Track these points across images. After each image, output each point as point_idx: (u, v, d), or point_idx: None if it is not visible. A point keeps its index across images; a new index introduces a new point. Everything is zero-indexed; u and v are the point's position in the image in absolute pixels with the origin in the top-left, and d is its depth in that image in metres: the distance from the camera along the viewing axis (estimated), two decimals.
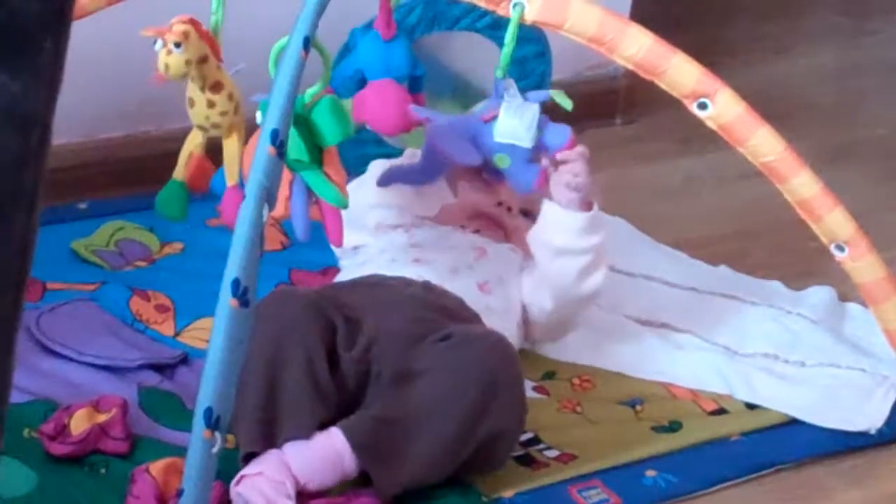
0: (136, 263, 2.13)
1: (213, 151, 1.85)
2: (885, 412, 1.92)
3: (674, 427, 1.88)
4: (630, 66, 1.68)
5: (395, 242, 1.98)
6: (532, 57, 2.36)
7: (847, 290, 2.13)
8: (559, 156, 1.87)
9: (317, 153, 1.72)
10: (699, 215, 2.47)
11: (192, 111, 1.82)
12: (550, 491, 1.75)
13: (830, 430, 1.89)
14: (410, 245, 1.96)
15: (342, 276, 1.97)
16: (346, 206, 1.75)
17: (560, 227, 1.91)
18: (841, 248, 1.71)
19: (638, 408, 1.93)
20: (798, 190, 1.69)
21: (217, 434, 1.38)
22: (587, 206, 1.91)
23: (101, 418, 1.72)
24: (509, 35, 1.73)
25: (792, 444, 1.87)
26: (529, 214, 2.00)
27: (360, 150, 2.19)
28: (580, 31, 1.67)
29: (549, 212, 1.92)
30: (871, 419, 1.91)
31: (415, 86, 2.05)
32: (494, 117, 1.83)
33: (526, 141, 1.82)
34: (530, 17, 1.69)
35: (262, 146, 1.46)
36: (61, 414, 1.72)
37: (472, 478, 1.73)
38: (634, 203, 2.44)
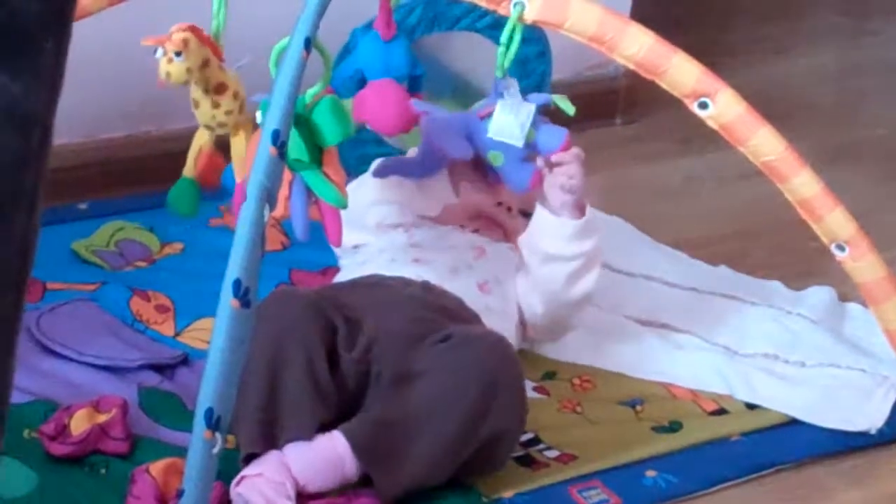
0: (136, 264, 2.13)
1: (225, 147, 1.86)
2: (885, 412, 1.92)
3: (674, 427, 1.88)
4: (631, 66, 1.68)
5: (394, 242, 1.98)
6: (533, 57, 2.36)
7: (847, 290, 2.13)
8: (554, 157, 1.87)
9: (317, 153, 1.72)
10: (699, 215, 2.47)
11: (198, 112, 1.83)
12: (550, 491, 1.74)
13: (830, 431, 1.89)
14: (410, 245, 1.96)
15: (342, 276, 1.97)
16: (345, 207, 1.75)
17: (550, 232, 1.91)
18: (841, 248, 1.71)
19: (638, 408, 1.93)
20: (799, 190, 1.69)
21: (217, 434, 1.38)
22: (581, 209, 1.91)
23: (102, 418, 1.72)
24: (506, 35, 1.72)
25: (792, 444, 1.87)
26: (529, 215, 2.00)
27: (360, 150, 2.19)
28: (580, 30, 1.67)
29: (540, 217, 1.92)
30: (871, 419, 1.91)
31: (415, 86, 2.06)
32: (490, 114, 1.84)
33: (518, 139, 1.82)
34: (530, 16, 1.69)
35: (263, 146, 1.46)
36: (61, 414, 1.72)
37: (473, 478, 1.73)
38: (634, 203, 2.44)
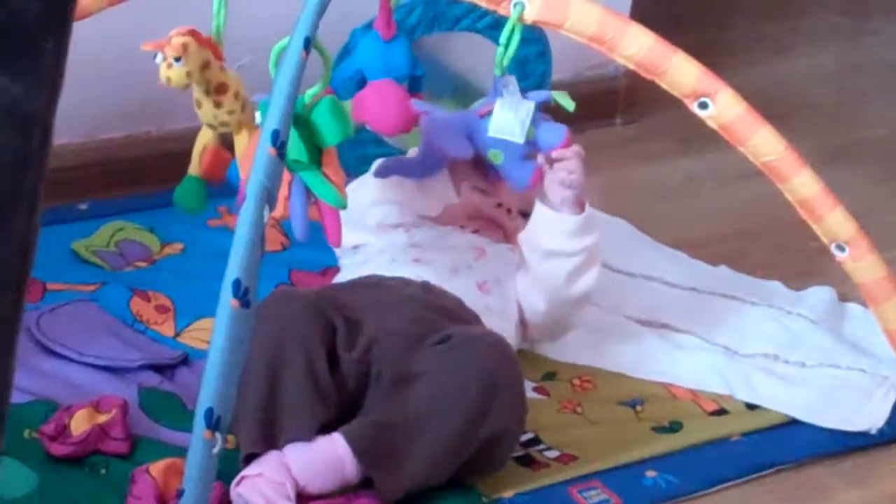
0: (136, 264, 2.13)
1: (230, 144, 1.86)
2: (885, 412, 1.92)
3: (674, 427, 1.88)
4: (631, 66, 1.68)
5: (395, 242, 1.98)
6: (533, 57, 2.36)
7: (847, 290, 2.13)
8: (554, 154, 1.87)
9: (316, 153, 1.72)
10: (699, 215, 2.47)
11: (201, 112, 1.83)
12: (551, 491, 1.74)
13: (830, 431, 1.89)
14: (410, 245, 1.96)
15: (342, 276, 1.97)
16: (344, 207, 1.75)
17: (550, 229, 1.91)
18: (841, 248, 1.71)
19: (638, 408, 1.92)
20: (799, 189, 1.69)
21: (217, 435, 1.38)
22: (580, 205, 1.91)
23: (102, 419, 1.72)
24: (505, 35, 1.72)
25: (792, 444, 1.87)
26: (528, 216, 2.00)
27: (360, 151, 2.19)
28: (580, 30, 1.67)
29: (540, 213, 1.92)
30: (871, 419, 1.91)
31: (415, 86, 2.06)
32: (490, 112, 1.84)
33: (518, 137, 1.82)
34: (530, 16, 1.69)
35: (262, 147, 1.46)
36: (62, 414, 1.72)
37: (473, 479, 1.73)
38: (634, 203, 2.44)
